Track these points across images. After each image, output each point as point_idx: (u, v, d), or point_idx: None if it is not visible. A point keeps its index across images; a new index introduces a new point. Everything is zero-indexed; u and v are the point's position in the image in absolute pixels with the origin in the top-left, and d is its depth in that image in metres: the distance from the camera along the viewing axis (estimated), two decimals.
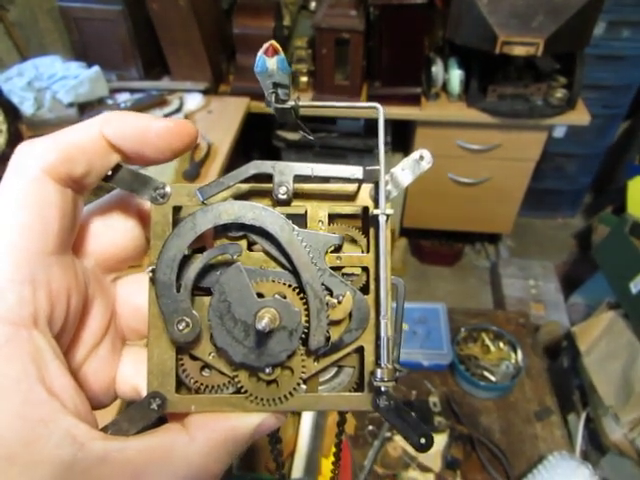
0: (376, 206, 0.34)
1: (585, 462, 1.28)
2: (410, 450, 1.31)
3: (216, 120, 2.01)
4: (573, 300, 2.46)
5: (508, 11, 1.95)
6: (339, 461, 0.53)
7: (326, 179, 0.35)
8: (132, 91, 2.09)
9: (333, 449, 0.47)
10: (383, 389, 0.32)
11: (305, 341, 0.32)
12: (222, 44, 2.24)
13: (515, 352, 1.56)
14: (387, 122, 2.38)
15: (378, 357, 0.33)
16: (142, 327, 0.34)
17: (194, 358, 0.33)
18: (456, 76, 2.18)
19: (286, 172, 0.33)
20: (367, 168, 0.34)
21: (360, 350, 0.34)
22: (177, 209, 0.33)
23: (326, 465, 1.16)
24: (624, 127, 2.94)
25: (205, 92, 2.15)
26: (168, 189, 0.32)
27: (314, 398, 0.34)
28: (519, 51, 1.94)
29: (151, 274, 0.31)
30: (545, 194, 3.03)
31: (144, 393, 0.31)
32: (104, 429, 0.28)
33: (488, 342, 1.58)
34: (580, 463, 1.27)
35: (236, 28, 2.10)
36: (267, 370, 0.32)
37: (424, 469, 1.28)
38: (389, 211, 0.33)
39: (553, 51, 2.01)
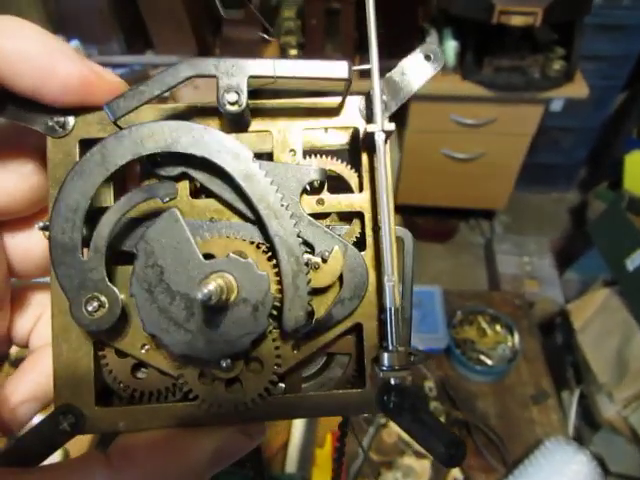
0: (369, 122, 0.24)
1: (582, 447, 1.27)
2: (405, 436, 1.30)
3: (203, 96, 1.93)
4: (568, 276, 2.45)
5: None
6: (340, 468, 0.49)
7: (298, 93, 0.25)
8: (114, 66, 2.00)
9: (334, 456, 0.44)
10: (393, 382, 0.23)
11: (279, 320, 0.23)
12: (208, 16, 2.14)
13: (512, 335, 1.54)
14: None
15: (384, 337, 0.23)
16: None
17: (121, 354, 0.23)
18: (451, 48, 2.10)
19: (236, 73, 0.22)
20: (354, 68, 0.25)
21: (358, 329, 0.25)
22: (87, 144, 0.23)
23: (320, 455, 1.14)
24: (621, 99, 2.88)
25: None
26: (70, 117, 0.23)
27: (296, 401, 0.24)
28: (517, 21, 1.86)
29: (46, 233, 0.22)
30: (540, 169, 2.99)
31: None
32: None
33: (484, 325, 1.56)
34: (577, 449, 1.26)
35: None
36: (223, 364, 0.22)
37: (420, 455, 1.27)
38: (389, 126, 0.24)
39: (552, 20, 1.93)
